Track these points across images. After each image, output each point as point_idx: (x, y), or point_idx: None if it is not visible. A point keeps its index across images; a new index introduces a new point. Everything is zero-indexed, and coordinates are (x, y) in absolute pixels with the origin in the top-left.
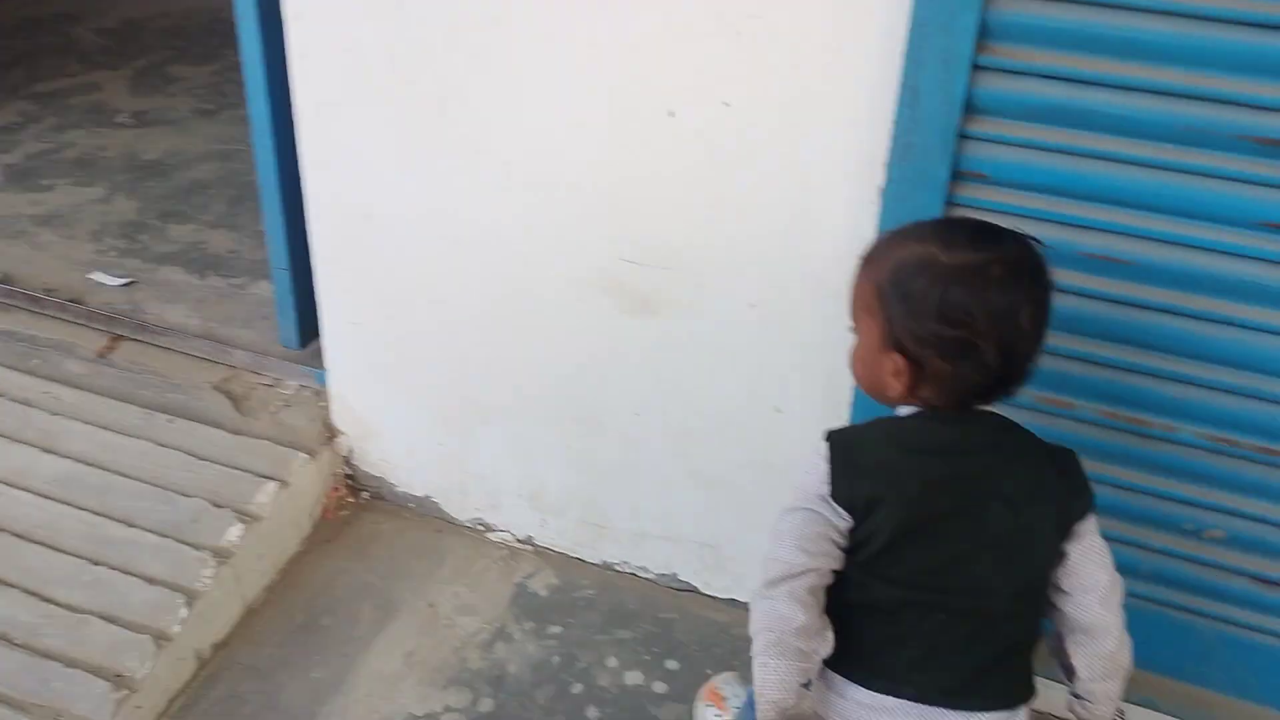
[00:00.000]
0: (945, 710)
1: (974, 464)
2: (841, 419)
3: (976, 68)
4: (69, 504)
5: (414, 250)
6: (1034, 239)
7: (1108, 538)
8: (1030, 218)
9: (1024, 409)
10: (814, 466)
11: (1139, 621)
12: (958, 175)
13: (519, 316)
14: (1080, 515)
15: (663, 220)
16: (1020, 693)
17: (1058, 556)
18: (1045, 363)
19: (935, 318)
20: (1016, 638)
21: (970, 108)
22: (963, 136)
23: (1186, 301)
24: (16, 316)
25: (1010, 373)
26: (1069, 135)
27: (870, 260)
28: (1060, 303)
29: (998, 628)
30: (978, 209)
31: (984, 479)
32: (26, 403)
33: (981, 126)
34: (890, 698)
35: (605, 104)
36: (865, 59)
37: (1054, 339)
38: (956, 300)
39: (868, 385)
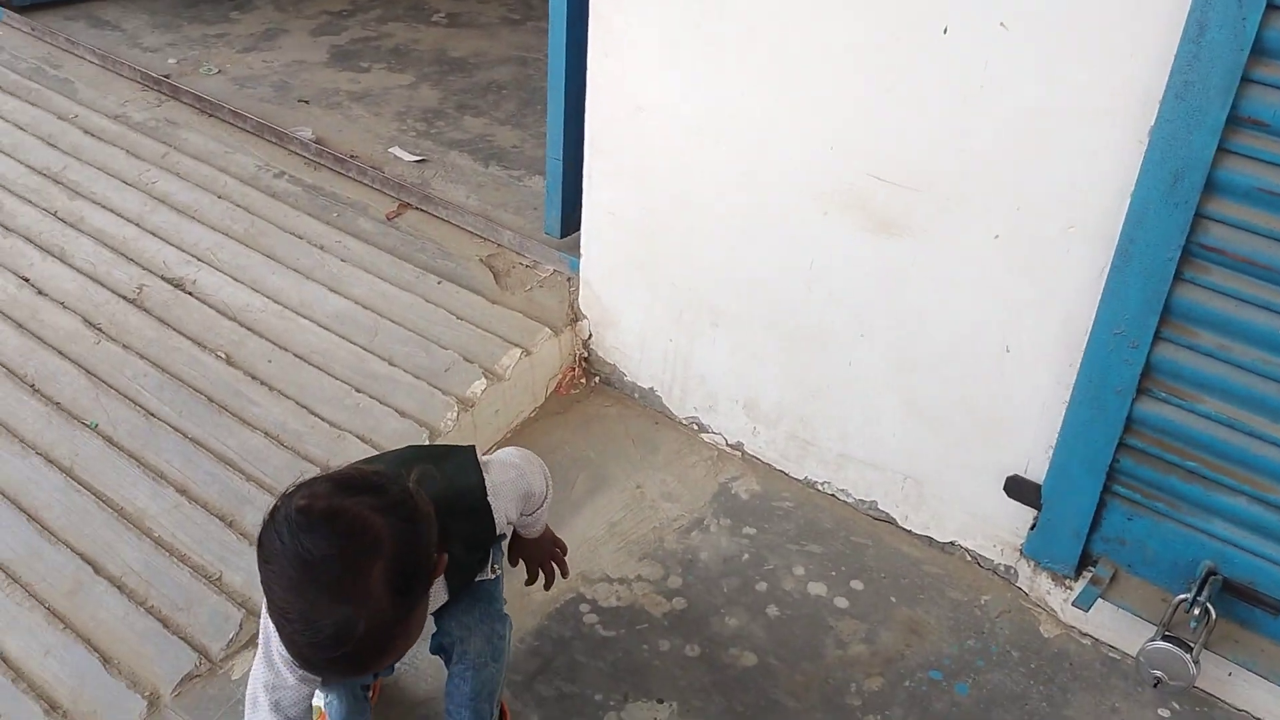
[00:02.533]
0: None
1: None
2: (1074, 366)
3: (1272, 7)
4: (343, 338)
5: (673, 145)
6: None
7: None
8: None
9: (1273, 380)
10: None
11: None
12: (1235, 120)
13: (762, 224)
14: None
15: (918, 140)
16: None
17: None
18: None
19: None
20: None
21: (1259, 50)
22: (1246, 80)
23: None
24: (323, 175)
25: None
26: None
27: None
28: None
29: None
30: (1251, 158)
31: None
32: (322, 248)
33: (1269, 71)
34: None
35: (879, 14)
36: None
37: None
38: None
39: None
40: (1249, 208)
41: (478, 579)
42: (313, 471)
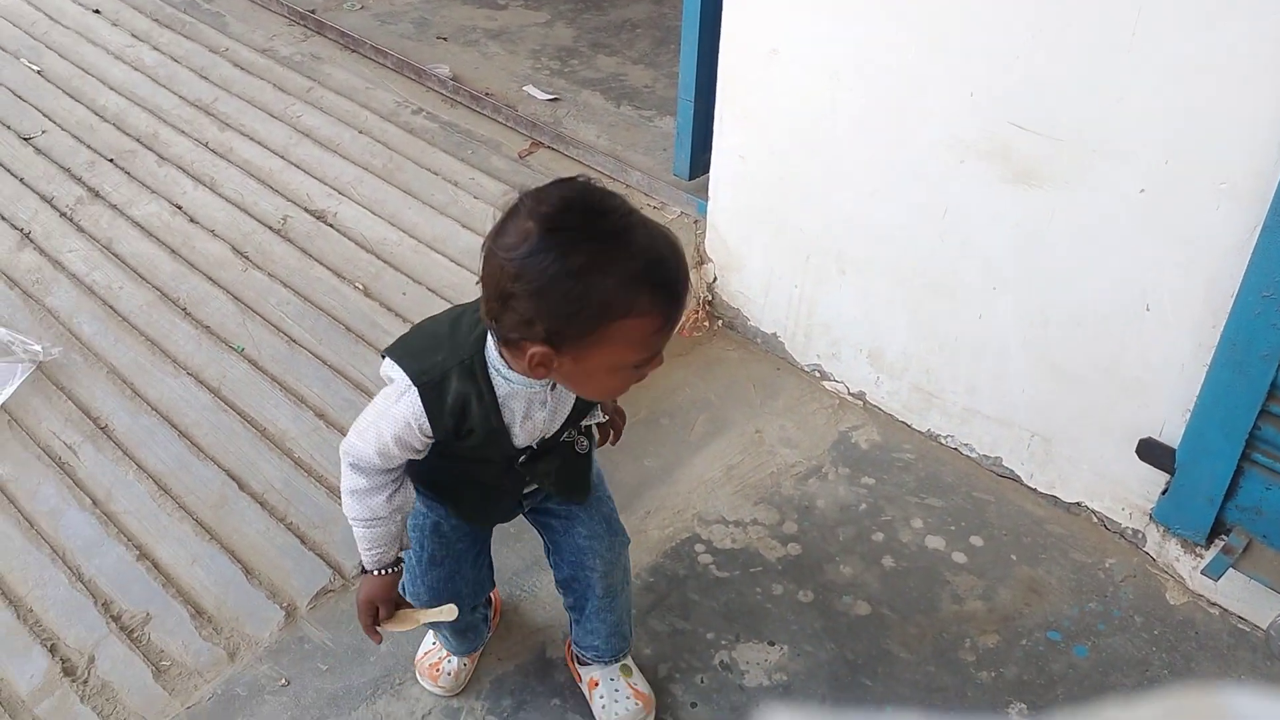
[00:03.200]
0: None
1: None
2: (1217, 328)
3: None
4: (474, 273)
5: (806, 89)
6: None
7: None
8: None
9: None
10: None
11: None
12: None
13: (895, 171)
14: None
15: (1063, 88)
16: None
17: None
18: None
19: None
20: None
21: None
22: None
23: None
24: (459, 112)
25: None
26: None
27: None
28: None
29: None
30: None
31: None
32: (456, 184)
33: None
34: None
35: None
36: None
37: None
38: None
39: None
40: None
41: (579, 447)
42: None
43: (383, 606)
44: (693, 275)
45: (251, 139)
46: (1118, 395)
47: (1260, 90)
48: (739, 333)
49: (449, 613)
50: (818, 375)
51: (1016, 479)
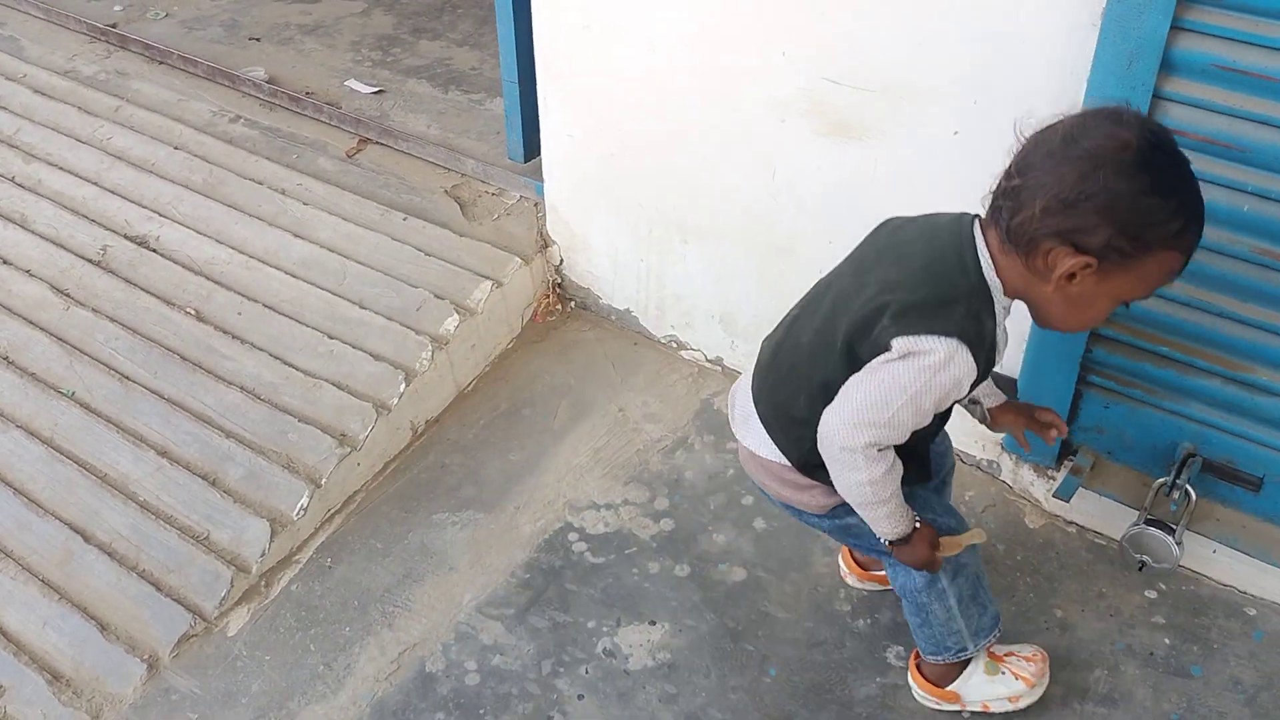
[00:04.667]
0: None
1: None
2: None
3: None
4: (312, 284)
5: (625, 62)
6: None
7: None
8: (1268, 48)
9: (1240, 259)
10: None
11: None
12: None
13: (722, 136)
14: None
15: (867, 39)
16: None
17: None
18: (1272, 211)
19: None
20: None
21: None
22: None
23: None
24: (279, 115)
25: None
26: None
27: None
28: None
29: None
30: (1206, 34)
31: None
32: (283, 192)
33: None
34: None
35: None
36: None
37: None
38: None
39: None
40: (1207, 85)
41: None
42: (290, 422)
43: (940, 543)
44: (538, 259)
45: (60, 168)
46: None
47: (1054, 19)
48: (593, 312)
49: (980, 534)
50: (675, 346)
51: None
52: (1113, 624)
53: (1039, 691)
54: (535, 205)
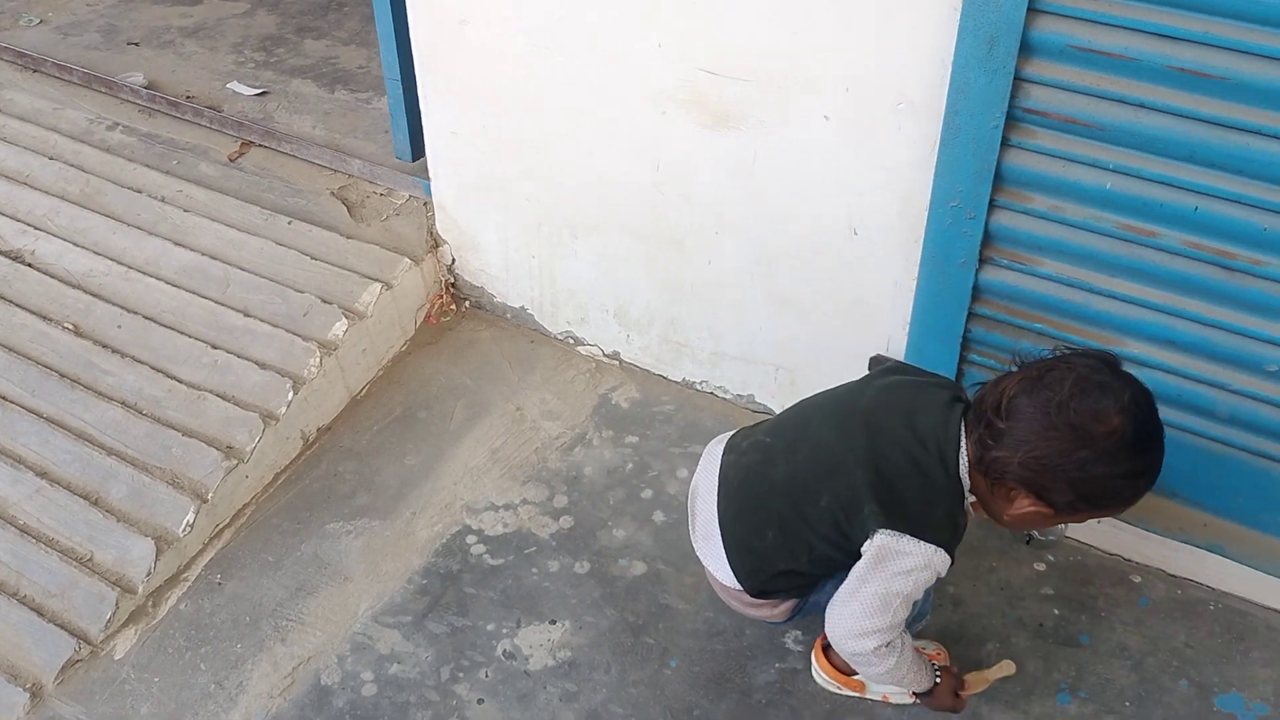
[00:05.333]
0: None
1: None
2: (918, 243)
3: None
4: (194, 293)
5: (504, 57)
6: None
7: (1185, 377)
8: (1121, 27)
9: (1105, 235)
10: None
11: (1212, 465)
12: None
13: (605, 130)
14: None
15: (739, 29)
16: None
17: None
18: (1132, 187)
19: None
20: None
21: None
22: None
23: None
24: (159, 121)
25: None
26: None
27: None
28: (1148, 120)
29: None
30: (1062, 15)
31: None
32: (163, 200)
33: None
34: None
35: None
36: None
37: (1141, 161)
38: None
39: None
40: (1066, 66)
41: None
42: (174, 436)
43: (961, 688)
44: (429, 259)
45: None
46: (845, 319)
47: (917, 6)
48: (487, 311)
49: (1009, 666)
50: (571, 342)
51: (770, 412)
52: (1003, 598)
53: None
54: (424, 205)
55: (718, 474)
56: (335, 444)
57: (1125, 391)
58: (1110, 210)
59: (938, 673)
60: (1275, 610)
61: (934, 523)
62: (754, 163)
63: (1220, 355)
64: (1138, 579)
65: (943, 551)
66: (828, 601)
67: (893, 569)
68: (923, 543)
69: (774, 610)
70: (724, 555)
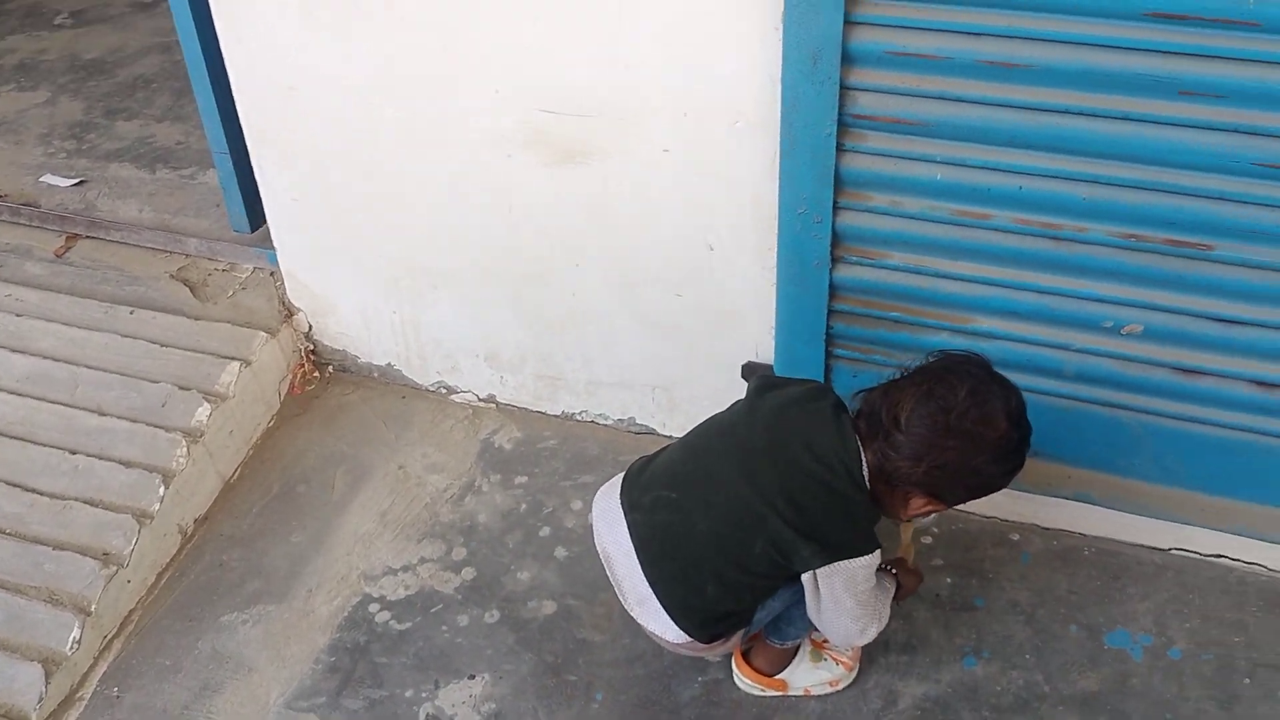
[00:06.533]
0: None
1: None
2: (773, 250)
3: None
4: (41, 399)
5: (340, 118)
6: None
7: (1032, 343)
8: (931, 30)
9: (943, 223)
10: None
11: (1068, 421)
12: None
13: (453, 177)
14: None
15: (574, 68)
16: None
17: None
18: (961, 176)
19: None
20: None
21: None
22: None
23: (1085, 101)
24: None
25: None
26: None
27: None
28: (967, 113)
29: None
30: (876, 25)
31: None
32: None
33: None
34: None
35: None
36: None
37: (966, 151)
38: None
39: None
40: (886, 71)
41: None
42: (44, 552)
43: (907, 567)
44: (285, 329)
45: None
46: (713, 332)
47: (740, 30)
48: (353, 373)
49: (908, 528)
50: (444, 391)
51: (653, 431)
52: None
53: (854, 674)
54: (271, 275)
55: (628, 535)
56: (215, 533)
57: (1011, 396)
58: (944, 199)
59: (893, 575)
60: (1143, 546)
61: (862, 534)
62: (605, 193)
63: (1060, 319)
64: (1016, 537)
65: (878, 550)
66: (770, 617)
67: (854, 583)
68: (863, 555)
69: (726, 644)
70: (665, 615)
